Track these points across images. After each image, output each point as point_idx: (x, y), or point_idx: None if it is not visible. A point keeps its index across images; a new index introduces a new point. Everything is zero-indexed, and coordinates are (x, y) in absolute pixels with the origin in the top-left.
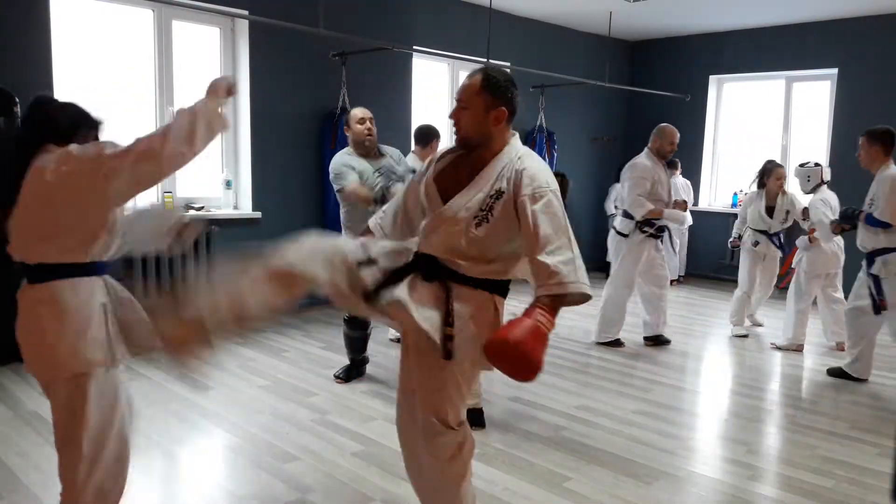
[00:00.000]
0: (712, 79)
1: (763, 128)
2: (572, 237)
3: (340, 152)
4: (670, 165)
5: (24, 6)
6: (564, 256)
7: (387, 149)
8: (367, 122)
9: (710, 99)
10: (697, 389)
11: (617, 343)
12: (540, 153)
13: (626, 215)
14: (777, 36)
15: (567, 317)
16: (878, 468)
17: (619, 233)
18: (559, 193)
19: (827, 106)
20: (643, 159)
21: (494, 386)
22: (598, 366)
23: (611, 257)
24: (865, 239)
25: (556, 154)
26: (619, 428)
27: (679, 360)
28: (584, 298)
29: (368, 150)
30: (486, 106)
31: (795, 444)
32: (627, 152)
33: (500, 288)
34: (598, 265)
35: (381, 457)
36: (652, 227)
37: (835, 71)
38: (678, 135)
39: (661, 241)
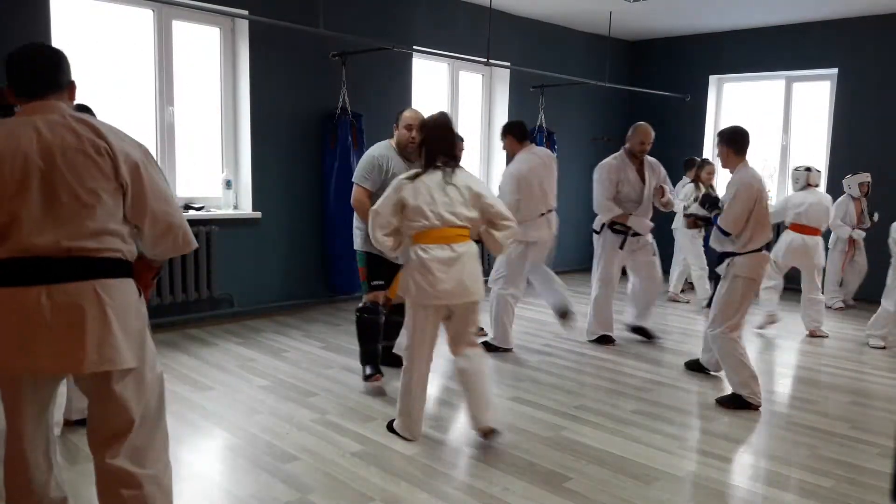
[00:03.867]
0: (712, 79)
1: (763, 128)
2: None
3: (383, 144)
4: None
5: (25, 6)
6: None
7: None
8: (413, 132)
9: (710, 99)
10: (697, 389)
11: (605, 340)
12: None
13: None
14: (777, 36)
15: None
16: (878, 468)
17: (593, 229)
18: None
19: (827, 106)
20: (611, 159)
21: (494, 386)
22: (597, 366)
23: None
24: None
25: (555, 154)
26: (618, 428)
27: (679, 360)
28: None
29: (410, 155)
30: None
31: (795, 444)
32: None
33: None
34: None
35: (381, 457)
36: (625, 228)
37: (835, 71)
38: (651, 134)
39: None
